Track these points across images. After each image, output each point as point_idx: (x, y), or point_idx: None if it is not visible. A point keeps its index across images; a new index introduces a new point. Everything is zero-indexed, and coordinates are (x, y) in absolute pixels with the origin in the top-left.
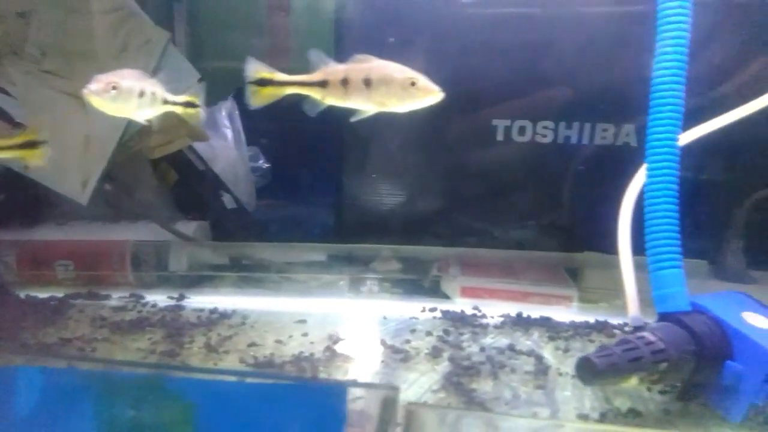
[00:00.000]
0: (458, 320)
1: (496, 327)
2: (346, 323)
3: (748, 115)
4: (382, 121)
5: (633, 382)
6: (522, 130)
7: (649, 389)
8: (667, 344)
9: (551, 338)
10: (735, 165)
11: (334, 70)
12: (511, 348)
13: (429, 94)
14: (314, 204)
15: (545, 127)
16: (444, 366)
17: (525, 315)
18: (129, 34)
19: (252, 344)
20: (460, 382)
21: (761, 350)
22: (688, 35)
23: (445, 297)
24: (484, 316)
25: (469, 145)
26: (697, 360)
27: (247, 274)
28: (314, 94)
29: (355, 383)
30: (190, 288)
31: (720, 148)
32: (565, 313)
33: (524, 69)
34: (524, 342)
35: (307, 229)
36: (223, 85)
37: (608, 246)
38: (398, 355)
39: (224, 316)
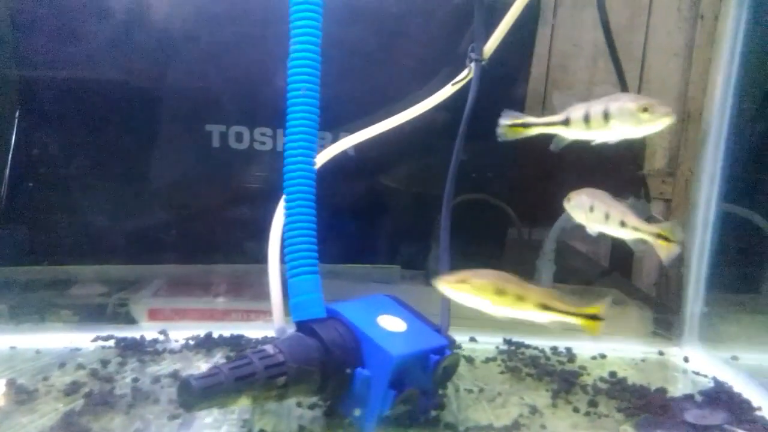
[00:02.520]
0: (132, 348)
1: (173, 352)
2: None
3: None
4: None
5: (245, 401)
6: (239, 137)
7: (299, 404)
8: (287, 356)
9: (230, 359)
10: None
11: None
12: (174, 375)
13: (664, 117)
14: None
15: (263, 134)
16: (74, 404)
17: (216, 335)
18: None
19: None
20: (80, 421)
21: (384, 353)
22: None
23: (131, 321)
24: (168, 340)
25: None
26: (322, 371)
27: None
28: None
29: None
30: None
31: (420, 159)
32: (261, 330)
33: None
34: (197, 366)
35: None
36: None
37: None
38: (21, 396)
39: None
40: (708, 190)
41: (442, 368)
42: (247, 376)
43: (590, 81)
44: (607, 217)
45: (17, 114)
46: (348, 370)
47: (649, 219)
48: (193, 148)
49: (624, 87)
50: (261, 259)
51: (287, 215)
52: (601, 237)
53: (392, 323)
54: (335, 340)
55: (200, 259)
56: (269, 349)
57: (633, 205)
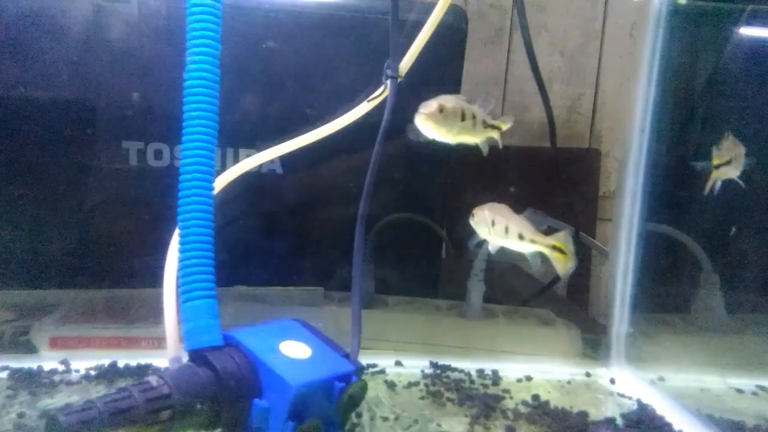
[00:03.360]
0: (25, 379)
1: (70, 383)
2: None
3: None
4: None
5: None
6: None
7: None
8: (173, 388)
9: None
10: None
11: None
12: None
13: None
14: None
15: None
16: None
17: (121, 364)
18: None
19: None
20: None
21: (283, 382)
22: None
23: (32, 351)
24: (68, 370)
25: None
26: (214, 403)
27: None
28: None
29: None
30: None
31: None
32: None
33: None
34: None
35: None
36: None
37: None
38: None
39: None
40: (630, 208)
41: (347, 396)
42: (125, 410)
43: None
44: (506, 230)
45: None
46: (244, 402)
47: (548, 231)
48: (106, 165)
49: (548, 110)
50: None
51: (181, 236)
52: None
53: (296, 349)
54: (230, 370)
55: (111, 283)
56: (152, 380)
57: (530, 217)
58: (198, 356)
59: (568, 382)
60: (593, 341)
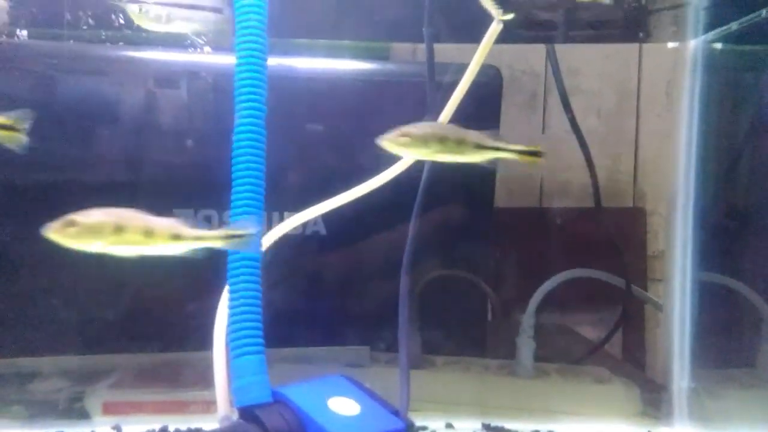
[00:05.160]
0: None
1: None
2: None
3: None
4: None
5: None
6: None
7: None
8: None
9: None
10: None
11: None
12: None
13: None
14: None
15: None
16: None
17: (172, 429)
18: None
19: None
20: None
21: None
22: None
23: (85, 416)
24: None
25: None
26: None
27: None
28: None
29: None
30: None
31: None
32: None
33: None
34: None
35: None
36: None
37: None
38: None
39: None
40: (681, 259)
41: None
42: None
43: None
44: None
45: None
46: None
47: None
48: None
49: (592, 169)
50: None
51: (231, 292)
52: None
53: (344, 406)
54: (279, 427)
55: (159, 347)
56: None
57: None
58: (248, 413)
59: None
60: (653, 400)
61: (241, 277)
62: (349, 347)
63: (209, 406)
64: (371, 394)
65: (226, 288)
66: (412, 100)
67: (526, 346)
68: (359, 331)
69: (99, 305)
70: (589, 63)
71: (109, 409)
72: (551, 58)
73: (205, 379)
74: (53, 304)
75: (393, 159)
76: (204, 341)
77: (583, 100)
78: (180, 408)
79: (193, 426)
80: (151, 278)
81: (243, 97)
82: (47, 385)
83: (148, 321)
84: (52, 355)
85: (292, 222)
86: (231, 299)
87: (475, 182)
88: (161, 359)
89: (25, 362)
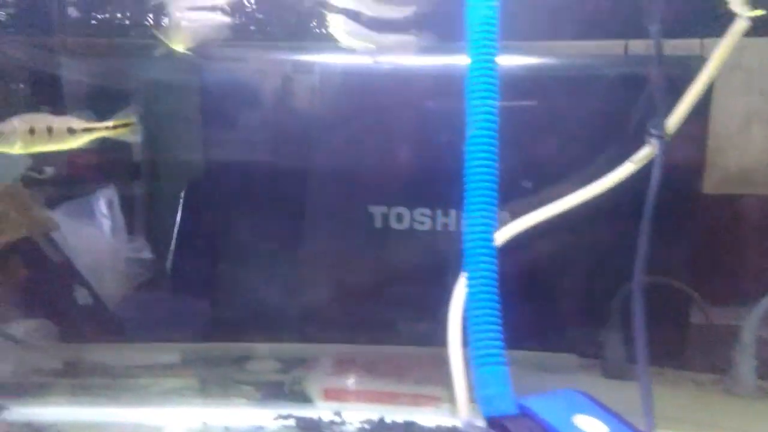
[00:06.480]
0: (312, 429)
1: None
2: None
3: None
4: (258, 211)
5: None
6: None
7: None
8: None
9: None
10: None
11: None
12: None
13: None
14: (190, 298)
15: (423, 215)
16: None
17: (388, 420)
18: None
19: None
20: None
21: None
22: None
23: (307, 400)
24: (343, 422)
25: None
26: None
27: (83, 380)
28: None
29: None
30: (14, 397)
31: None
32: (432, 416)
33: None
34: None
35: (177, 327)
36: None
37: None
38: None
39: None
40: None
41: None
42: None
43: None
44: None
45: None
46: None
47: None
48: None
49: None
50: (420, 341)
51: (471, 300)
52: None
53: (591, 425)
54: None
55: (364, 339)
56: None
57: None
58: (496, 424)
59: None
60: None
61: (481, 284)
62: (554, 353)
63: (415, 399)
64: (614, 414)
65: (460, 285)
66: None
67: (744, 361)
68: (564, 336)
69: (316, 297)
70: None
71: (330, 394)
72: None
73: (418, 374)
74: (276, 291)
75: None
76: (415, 336)
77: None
78: (392, 399)
79: (408, 419)
80: (367, 274)
81: (475, 94)
82: (262, 367)
83: (361, 312)
84: (264, 341)
85: (527, 221)
86: (471, 308)
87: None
88: (370, 351)
89: (240, 347)
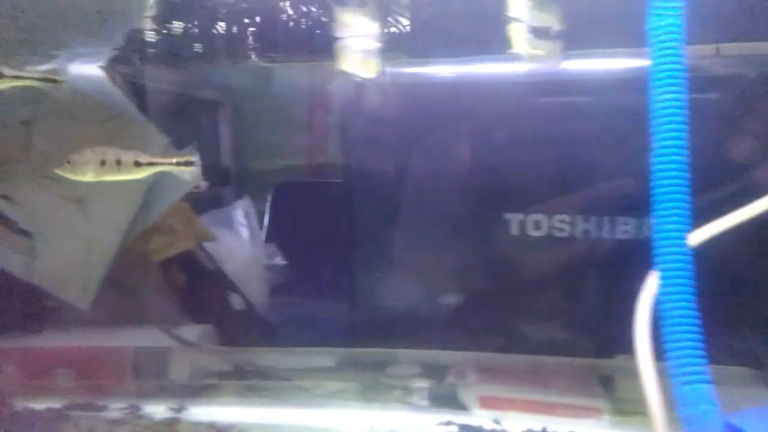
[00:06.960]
0: None
1: None
2: None
3: None
4: (398, 217)
5: None
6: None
7: None
8: None
9: None
10: None
11: None
12: None
13: None
14: (329, 304)
15: (561, 221)
16: None
17: (551, 431)
18: (128, 139)
19: None
20: None
21: None
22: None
23: (463, 408)
24: (504, 431)
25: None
26: None
27: (250, 382)
28: None
29: None
30: (191, 398)
31: None
32: (595, 428)
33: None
34: None
35: (320, 332)
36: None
37: None
38: None
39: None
40: None
41: None
42: None
43: None
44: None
45: None
46: None
47: None
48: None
49: None
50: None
51: (667, 311)
52: None
53: None
54: None
55: (490, 347)
56: None
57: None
58: None
59: None
60: None
61: (677, 288)
62: (726, 366)
63: (576, 410)
64: None
65: (647, 295)
66: None
67: None
68: (735, 349)
69: (450, 303)
70: None
71: (485, 402)
72: None
73: (562, 383)
74: (411, 298)
75: None
76: (562, 347)
77: None
78: (550, 410)
79: (572, 430)
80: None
81: (661, 97)
82: (404, 372)
83: (488, 320)
84: (401, 347)
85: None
86: (668, 315)
87: None
88: (517, 360)
89: (379, 352)
